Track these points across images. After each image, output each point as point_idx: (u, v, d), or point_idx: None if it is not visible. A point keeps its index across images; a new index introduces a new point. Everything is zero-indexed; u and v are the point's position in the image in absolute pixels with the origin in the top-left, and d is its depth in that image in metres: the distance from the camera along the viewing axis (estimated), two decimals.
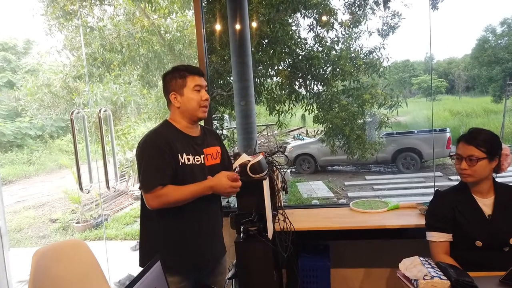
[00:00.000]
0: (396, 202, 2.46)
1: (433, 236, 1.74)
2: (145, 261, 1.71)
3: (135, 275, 1.16)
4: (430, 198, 1.89)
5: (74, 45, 7.71)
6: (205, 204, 1.67)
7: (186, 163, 1.63)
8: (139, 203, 1.77)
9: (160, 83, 1.76)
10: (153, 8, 6.93)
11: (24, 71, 10.23)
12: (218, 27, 5.57)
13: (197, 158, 1.68)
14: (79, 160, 2.94)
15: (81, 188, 2.94)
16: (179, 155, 1.62)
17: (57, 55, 8.03)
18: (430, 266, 1.56)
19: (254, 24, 5.84)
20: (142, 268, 1.65)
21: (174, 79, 1.67)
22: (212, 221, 1.76)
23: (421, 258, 1.63)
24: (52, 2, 7.08)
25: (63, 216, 6.86)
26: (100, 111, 2.95)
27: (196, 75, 1.67)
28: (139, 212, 1.79)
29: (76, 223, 6.38)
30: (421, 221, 2.00)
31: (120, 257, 4.74)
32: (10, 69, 10.61)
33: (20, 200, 7.93)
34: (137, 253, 1.78)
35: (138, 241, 1.81)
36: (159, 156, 1.58)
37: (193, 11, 2.64)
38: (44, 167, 9.93)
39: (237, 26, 3.61)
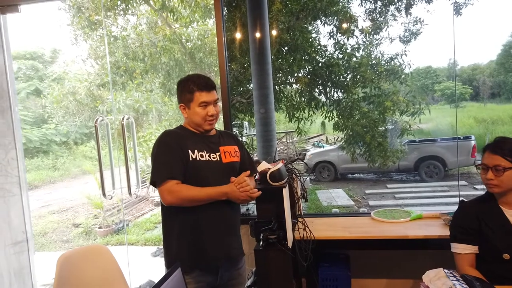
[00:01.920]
0: (419, 211, 2.41)
1: (458, 248, 1.69)
2: (168, 263, 1.73)
3: (155, 281, 1.17)
4: (454, 207, 1.85)
5: (99, 54, 7.92)
6: (219, 203, 1.67)
7: (199, 159, 1.66)
8: (159, 209, 1.79)
9: None
10: (175, 18, 7.06)
11: (50, 79, 10.57)
12: (238, 35, 5.64)
13: (213, 156, 1.70)
14: (102, 166, 3.00)
15: (104, 194, 3.00)
16: (189, 150, 1.64)
17: (82, 63, 8.28)
18: (455, 279, 1.52)
19: (274, 32, 5.88)
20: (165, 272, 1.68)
21: (183, 92, 1.70)
22: (226, 220, 1.74)
23: (446, 270, 1.59)
24: (78, 13, 7.30)
25: (86, 221, 7.01)
26: (123, 118, 3.01)
27: (204, 91, 1.67)
28: (159, 218, 1.82)
29: (99, 228, 6.50)
30: (445, 232, 1.94)
31: (141, 262, 4.80)
32: (38, 77, 10.99)
33: (45, 205, 8.14)
34: (157, 259, 1.81)
35: (159, 247, 1.83)
36: (168, 152, 1.63)
37: (213, 20, 2.68)
38: (68, 172, 10.20)
39: (257, 34, 3.64)
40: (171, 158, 1.62)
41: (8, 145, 2.79)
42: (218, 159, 1.71)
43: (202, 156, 1.67)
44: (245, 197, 1.63)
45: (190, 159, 1.64)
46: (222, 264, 1.73)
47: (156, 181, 1.61)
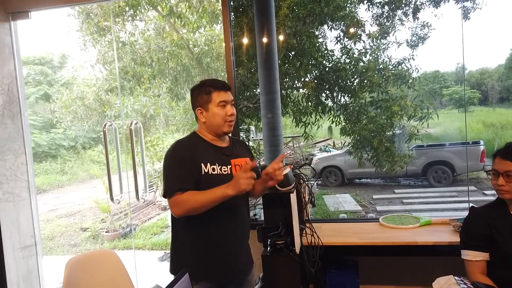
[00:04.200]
0: (428, 217, 2.38)
1: (468, 255, 1.67)
2: (174, 269, 1.73)
3: (162, 286, 1.17)
4: (463, 213, 1.83)
5: (107, 59, 8.00)
6: (232, 216, 1.67)
7: (211, 173, 1.63)
8: (166, 213, 1.80)
9: (188, 96, 1.79)
10: (182, 23, 7.11)
11: (59, 84, 10.69)
12: (245, 40, 5.66)
13: (224, 169, 1.67)
14: (110, 170, 3.02)
15: (112, 198, 3.01)
16: (202, 164, 1.62)
17: (90, 69, 8.38)
18: (465, 286, 1.50)
19: (281, 37, 5.89)
20: (171, 275, 1.68)
21: (200, 94, 1.69)
22: (238, 233, 1.74)
23: (456, 278, 1.57)
24: (87, 19, 7.39)
25: (94, 225, 7.04)
26: (131, 123, 3.03)
27: (221, 90, 1.67)
28: (166, 222, 1.82)
29: (106, 232, 6.52)
30: (455, 238, 1.92)
31: (147, 267, 4.81)
32: (47, 82, 11.12)
33: (53, 209, 8.20)
34: (164, 263, 1.81)
35: (165, 251, 1.83)
36: (180, 164, 1.61)
37: (220, 25, 2.70)
38: (76, 177, 10.27)
39: (264, 40, 3.65)
40: (182, 171, 1.60)
41: (18, 150, 2.82)
42: (229, 172, 1.68)
43: (214, 169, 1.64)
44: (246, 179, 1.47)
45: (203, 173, 1.62)
46: (232, 278, 1.74)
47: (166, 194, 1.61)
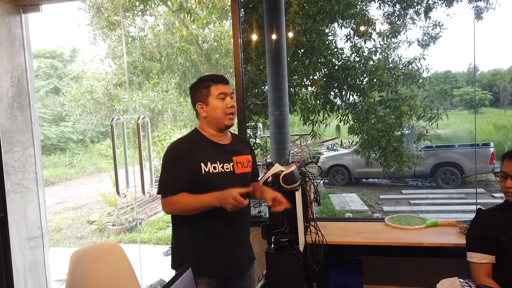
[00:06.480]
0: (434, 218, 2.36)
1: (474, 257, 1.65)
2: (175, 264, 1.75)
3: (166, 280, 1.17)
4: (471, 215, 1.80)
5: (116, 53, 8.03)
6: (231, 212, 1.66)
7: (212, 171, 1.63)
8: None
9: None
10: (192, 19, 7.11)
11: (69, 78, 10.79)
12: (254, 37, 5.65)
13: (226, 166, 1.67)
14: (117, 164, 3.03)
15: (118, 192, 3.03)
16: (202, 164, 1.62)
17: (100, 63, 8.42)
18: None
19: (290, 34, 5.86)
20: (173, 270, 1.69)
21: (199, 89, 1.69)
22: (238, 229, 1.74)
23: (461, 280, 1.55)
24: (97, 13, 7.41)
25: (100, 219, 7.10)
26: (138, 118, 3.04)
27: (219, 83, 1.68)
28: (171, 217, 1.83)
29: (112, 225, 6.58)
30: (461, 240, 1.90)
31: (152, 261, 4.84)
32: (57, 75, 11.24)
33: (61, 201, 8.29)
34: (168, 258, 1.82)
35: (170, 246, 1.84)
36: (176, 164, 1.62)
37: (230, 21, 2.68)
38: (84, 170, 10.37)
39: (274, 36, 3.64)
40: (176, 171, 1.62)
41: (27, 142, 2.84)
42: (231, 169, 1.68)
43: (215, 168, 1.64)
44: (232, 200, 1.48)
45: (203, 172, 1.62)
46: (232, 273, 1.73)
47: (159, 192, 1.64)
